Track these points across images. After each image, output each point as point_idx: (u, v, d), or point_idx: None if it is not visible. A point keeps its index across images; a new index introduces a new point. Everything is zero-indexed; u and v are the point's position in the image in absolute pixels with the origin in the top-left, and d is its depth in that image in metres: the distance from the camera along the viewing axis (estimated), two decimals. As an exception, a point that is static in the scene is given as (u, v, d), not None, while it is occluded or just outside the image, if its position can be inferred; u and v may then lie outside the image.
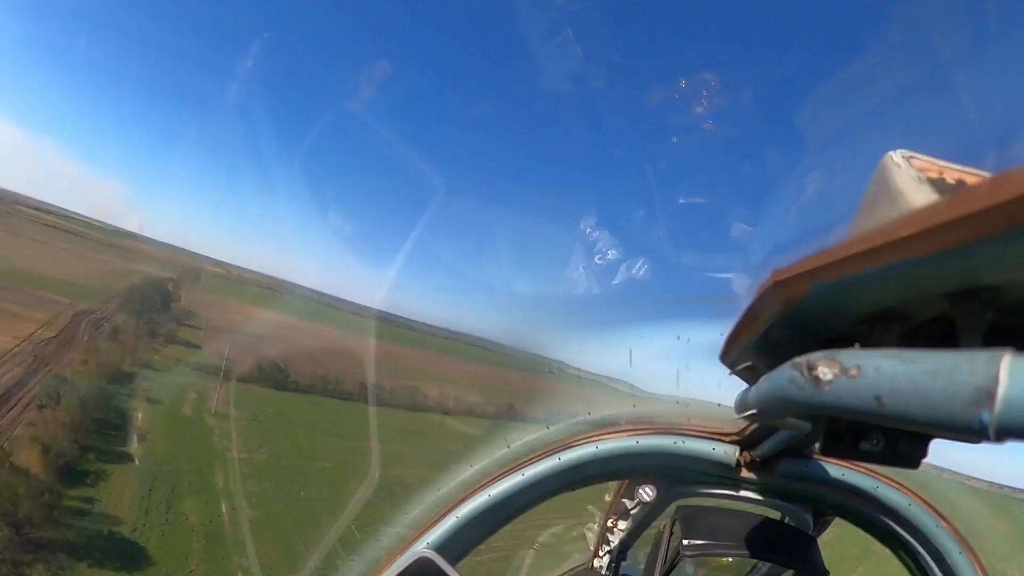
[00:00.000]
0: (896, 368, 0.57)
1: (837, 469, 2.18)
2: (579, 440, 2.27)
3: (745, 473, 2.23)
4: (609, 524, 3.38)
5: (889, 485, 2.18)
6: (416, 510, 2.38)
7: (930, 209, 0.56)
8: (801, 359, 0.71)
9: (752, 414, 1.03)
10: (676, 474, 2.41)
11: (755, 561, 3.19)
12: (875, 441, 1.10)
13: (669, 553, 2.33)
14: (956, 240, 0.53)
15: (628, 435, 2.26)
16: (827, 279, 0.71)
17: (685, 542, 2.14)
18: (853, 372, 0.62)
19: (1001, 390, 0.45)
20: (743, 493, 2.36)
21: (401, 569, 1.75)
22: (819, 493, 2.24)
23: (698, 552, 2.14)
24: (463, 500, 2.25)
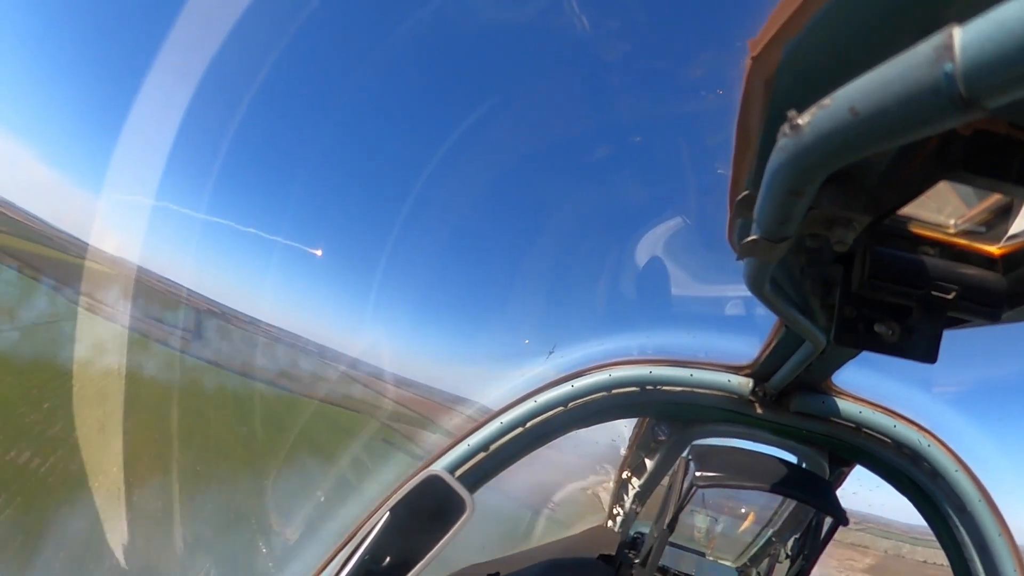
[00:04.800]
0: (865, 78, 0.57)
1: (853, 406, 2.11)
2: (592, 368, 2.24)
3: (760, 410, 2.17)
4: (624, 477, 3.35)
5: (907, 425, 2.11)
6: (427, 440, 2.38)
7: None
8: (782, 128, 0.70)
9: (753, 241, 0.97)
10: (690, 411, 2.37)
11: (772, 511, 3.17)
12: (889, 330, 1.08)
13: (683, 489, 2.30)
14: None
15: (642, 365, 2.23)
16: (794, 32, 0.69)
17: (698, 474, 2.12)
18: (827, 102, 0.62)
19: (957, 39, 0.45)
20: (759, 432, 2.32)
21: (410, 488, 1.77)
22: (835, 433, 2.17)
23: (710, 483, 2.11)
24: (475, 428, 2.23)
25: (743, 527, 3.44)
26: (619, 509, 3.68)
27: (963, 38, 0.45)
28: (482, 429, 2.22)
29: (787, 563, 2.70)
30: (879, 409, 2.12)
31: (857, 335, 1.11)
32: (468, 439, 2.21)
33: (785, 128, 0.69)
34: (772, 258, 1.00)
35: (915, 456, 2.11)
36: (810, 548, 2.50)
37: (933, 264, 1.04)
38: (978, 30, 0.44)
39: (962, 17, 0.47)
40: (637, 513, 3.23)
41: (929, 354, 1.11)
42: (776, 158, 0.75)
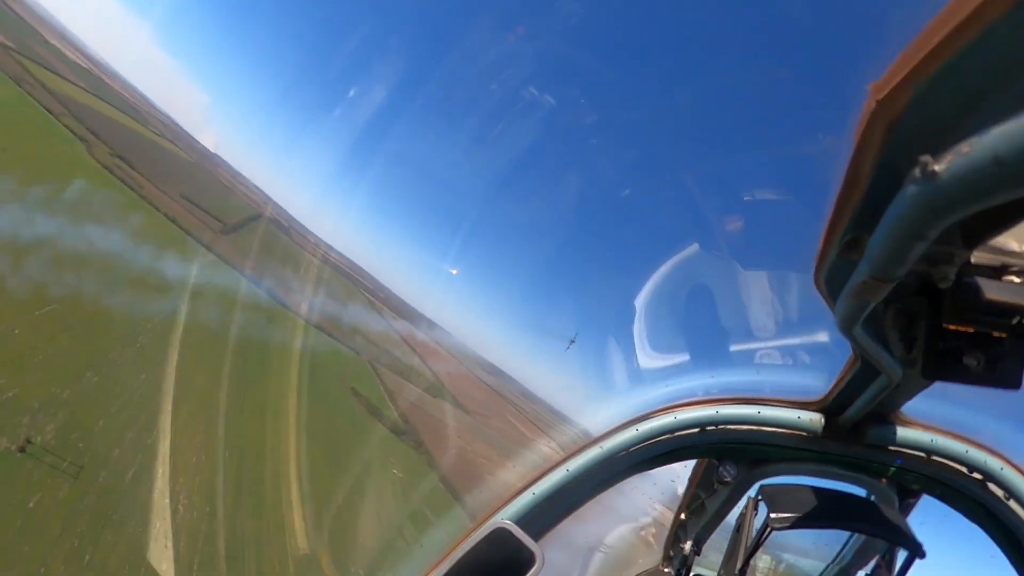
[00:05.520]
0: (1009, 126, 0.56)
1: (925, 435, 2.08)
2: (657, 412, 2.23)
3: (830, 445, 2.15)
4: (681, 519, 3.22)
5: (979, 450, 2.08)
6: (490, 489, 2.41)
7: None
8: (911, 173, 0.71)
9: (863, 283, 1.01)
10: (757, 450, 2.32)
11: (840, 546, 3.06)
12: (976, 361, 1.08)
13: (753, 531, 2.29)
14: None
15: (707, 405, 2.21)
16: (923, 77, 0.69)
17: (773, 515, 2.10)
18: (966, 149, 0.62)
19: None
20: (829, 468, 2.28)
21: (478, 540, 1.73)
22: (906, 464, 2.15)
23: (786, 525, 2.10)
24: (541, 476, 2.21)
25: (805, 565, 3.31)
26: (675, 552, 3.54)
27: None
28: (547, 477, 2.20)
29: None
30: (950, 436, 2.10)
31: (946, 367, 1.12)
32: (533, 487, 2.19)
33: (916, 173, 0.71)
34: (877, 298, 1.05)
35: (988, 480, 2.08)
36: None
37: (1021, 291, 1.04)
38: None
39: None
40: (697, 555, 3.18)
41: (1014, 381, 1.11)
42: (903, 203, 0.77)
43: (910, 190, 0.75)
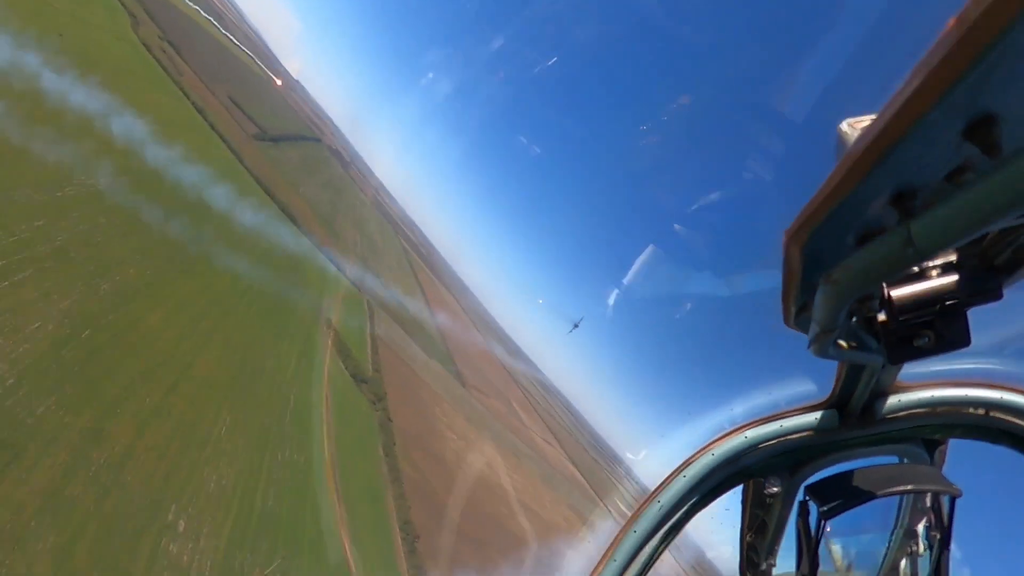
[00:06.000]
0: (866, 250, 1.08)
1: (924, 392, 2.35)
2: (697, 454, 2.47)
3: (851, 431, 2.41)
4: (748, 540, 3.41)
5: (976, 388, 2.36)
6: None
7: (859, 140, 0.97)
8: (822, 278, 1.21)
9: (816, 333, 1.43)
10: (792, 457, 2.56)
11: (895, 513, 3.23)
12: (926, 338, 1.38)
13: (811, 528, 2.45)
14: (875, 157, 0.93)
15: (736, 434, 2.46)
16: (816, 221, 1.13)
17: (823, 508, 2.29)
18: (850, 264, 1.13)
19: (914, 229, 0.97)
20: (857, 450, 2.53)
21: None
22: (918, 422, 2.42)
23: (835, 512, 2.27)
24: (616, 543, 2.40)
25: (872, 540, 3.42)
26: (753, 573, 3.70)
27: (915, 229, 0.92)
28: (622, 543, 2.42)
29: (926, 554, 2.89)
30: (946, 385, 2.37)
31: (907, 352, 1.40)
32: (614, 555, 2.40)
33: (822, 280, 1.21)
34: (831, 339, 1.45)
35: (990, 410, 2.37)
36: (938, 531, 2.67)
37: (940, 283, 1.31)
38: (923, 223, 0.90)
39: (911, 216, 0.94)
40: (772, 567, 3.35)
41: (963, 341, 1.37)
42: (821, 297, 1.26)
43: (822, 289, 1.22)
